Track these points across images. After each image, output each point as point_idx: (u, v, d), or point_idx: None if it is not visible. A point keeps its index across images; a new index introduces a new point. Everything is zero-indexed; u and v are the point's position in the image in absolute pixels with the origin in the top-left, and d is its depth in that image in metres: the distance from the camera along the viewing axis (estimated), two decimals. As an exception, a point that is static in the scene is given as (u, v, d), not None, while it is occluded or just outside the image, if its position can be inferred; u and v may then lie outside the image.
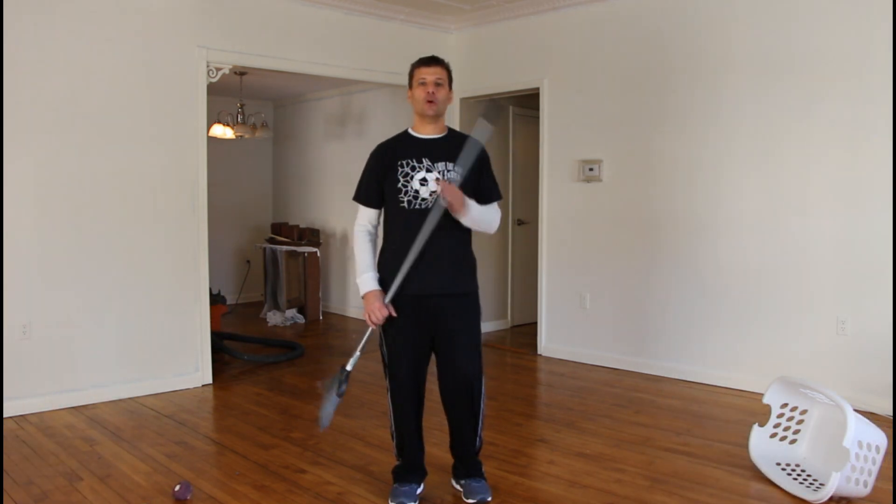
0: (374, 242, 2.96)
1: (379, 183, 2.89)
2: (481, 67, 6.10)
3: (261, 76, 6.74)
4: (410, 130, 2.96)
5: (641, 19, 5.15)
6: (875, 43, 4.11)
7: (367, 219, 2.95)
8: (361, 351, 2.88)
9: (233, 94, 7.27)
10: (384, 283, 2.87)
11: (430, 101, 2.84)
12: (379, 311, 2.81)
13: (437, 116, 2.90)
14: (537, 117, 5.92)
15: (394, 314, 2.83)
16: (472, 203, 2.83)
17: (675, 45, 4.98)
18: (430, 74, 2.86)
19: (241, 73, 6.67)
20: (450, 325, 2.88)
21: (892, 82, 4.04)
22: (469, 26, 6.21)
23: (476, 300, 2.98)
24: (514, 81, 5.96)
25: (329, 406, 2.85)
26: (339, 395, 2.85)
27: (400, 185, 2.83)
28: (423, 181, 2.83)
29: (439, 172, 2.83)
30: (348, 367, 2.87)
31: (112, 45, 4.48)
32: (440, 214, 2.76)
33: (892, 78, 4.04)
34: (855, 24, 4.19)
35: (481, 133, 2.86)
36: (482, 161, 2.96)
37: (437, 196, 2.76)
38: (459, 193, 2.77)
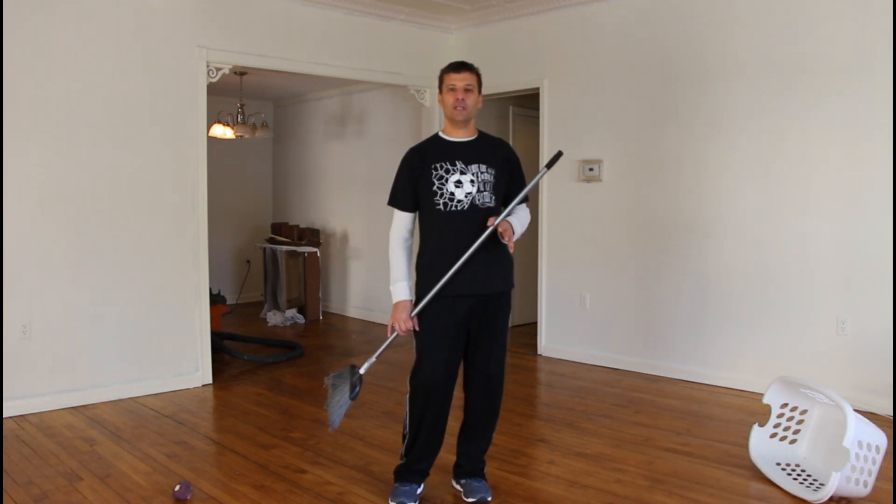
0: (409, 250, 2.96)
1: (413, 187, 2.91)
2: (481, 67, 5.96)
3: (261, 76, 6.74)
4: (441, 134, 2.98)
5: (641, 19, 5.15)
6: (876, 44, 4.11)
7: (402, 225, 2.95)
8: (377, 357, 2.89)
9: (233, 94, 7.27)
10: (420, 289, 2.88)
11: (459, 107, 2.87)
12: (405, 323, 2.84)
13: (468, 121, 2.93)
14: (537, 117, 5.92)
15: (416, 328, 2.86)
16: (515, 225, 2.87)
17: (675, 45, 4.98)
18: (459, 80, 2.90)
19: (241, 73, 6.67)
20: (487, 324, 2.91)
21: (893, 83, 4.04)
22: (469, 26, 6.21)
23: (510, 299, 3.01)
24: (514, 81, 5.96)
25: (341, 408, 2.85)
26: (352, 399, 2.86)
27: (435, 187, 2.85)
28: (459, 183, 2.85)
29: (473, 174, 2.85)
30: (362, 371, 2.89)
31: (112, 45, 4.48)
32: (486, 240, 2.79)
33: (893, 78, 4.04)
34: (856, 25, 4.19)
35: (540, 174, 3.00)
36: (513, 162, 3.01)
37: (493, 229, 2.79)
38: (510, 228, 2.81)
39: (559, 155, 3.00)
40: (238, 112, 7.36)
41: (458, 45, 6.27)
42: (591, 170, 5.46)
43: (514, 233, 2.84)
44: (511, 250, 2.85)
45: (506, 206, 2.91)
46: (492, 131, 6.84)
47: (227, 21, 5.00)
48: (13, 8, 4.09)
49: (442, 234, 2.85)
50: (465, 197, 2.84)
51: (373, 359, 2.90)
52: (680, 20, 4.95)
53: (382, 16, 5.82)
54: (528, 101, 6.54)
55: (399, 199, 2.95)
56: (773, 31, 4.52)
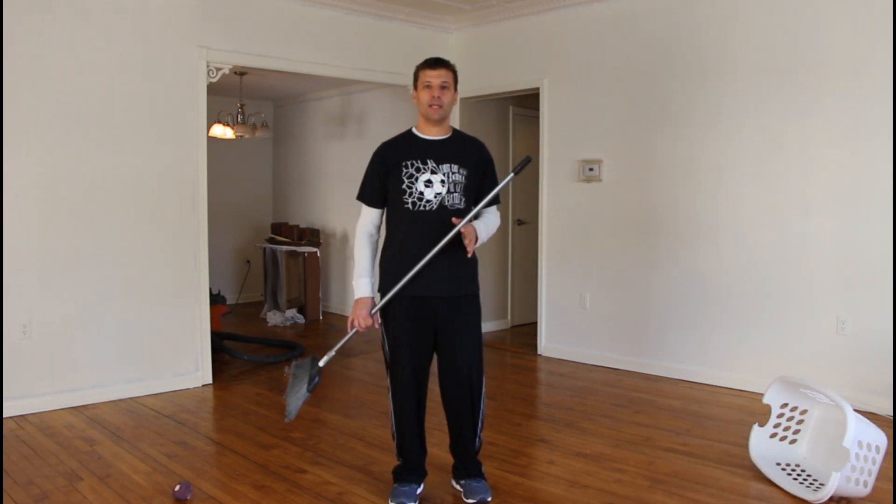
0: (374, 245, 2.96)
1: (382, 183, 2.90)
2: (481, 67, 6.10)
3: (261, 76, 6.74)
4: (415, 130, 2.95)
5: (642, 19, 5.15)
6: (875, 43, 4.11)
7: (370, 220, 2.95)
8: (337, 351, 2.91)
9: (233, 94, 7.27)
10: (382, 285, 2.89)
11: (435, 105, 2.84)
12: (364, 321, 2.85)
13: (443, 119, 2.90)
14: (537, 117, 5.92)
15: (377, 326, 2.87)
16: (480, 229, 2.84)
17: (675, 45, 4.98)
18: (435, 78, 2.85)
19: (241, 73, 6.67)
20: (451, 325, 2.89)
21: (892, 82, 4.04)
22: (469, 26, 6.21)
23: (476, 301, 2.97)
24: (514, 81, 5.96)
25: (299, 400, 2.84)
26: (310, 391, 2.85)
27: (404, 185, 2.83)
28: (429, 182, 2.82)
29: (444, 175, 2.83)
30: (321, 364, 2.89)
31: (112, 45, 4.48)
32: (449, 241, 2.76)
33: (892, 78, 4.04)
34: (855, 25, 4.19)
35: (507, 179, 2.90)
36: (486, 163, 2.97)
37: (456, 231, 2.75)
38: (473, 231, 2.78)
39: (527, 161, 2.91)
40: (238, 112, 7.36)
41: (458, 45, 6.28)
42: (591, 170, 5.46)
43: (477, 239, 2.79)
44: (468, 255, 2.79)
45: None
46: (492, 131, 6.75)
47: (227, 21, 4.99)
48: (13, 7, 4.09)
49: (408, 233, 2.83)
50: (435, 197, 2.82)
51: (332, 353, 2.90)
52: (680, 20, 4.95)
53: (382, 16, 5.82)
54: (528, 101, 6.54)
55: (367, 194, 2.94)
56: (773, 32, 4.52)
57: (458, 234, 2.75)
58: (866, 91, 4.16)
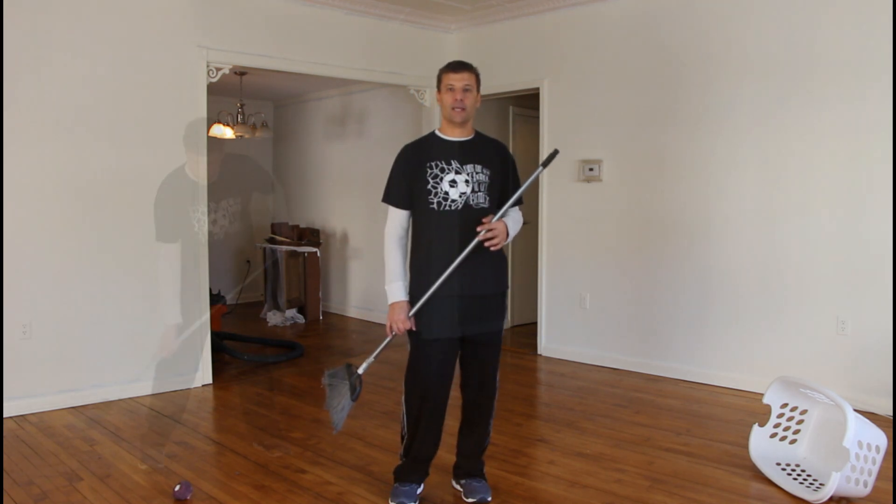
0: (404, 248, 2.95)
1: (408, 184, 2.89)
2: (481, 67, 5.96)
3: (261, 76, 6.74)
4: (438, 132, 2.97)
5: (641, 19, 5.15)
6: (876, 44, 4.11)
7: (398, 222, 2.93)
8: (376, 357, 2.90)
9: (233, 94, 7.27)
10: (413, 289, 2.88)
11: (458, 108, 2.86)
12: (402, 324, 2.83)
13: (466, 121, 2.92)
14: (537, 117, 5.92)
15: (414, 328, 2.85)
16: (510, 227, 2.87)
17: (675, 45, 4.98)
18: (458, 81, 2.88)
19: (241, 73, 6.67)
20: (479, 325, 2.89)
21: (893, 83, 4.04)
22: (469, 26, 6.21)
23: (504, 300, 2.99)
24: (514, 81, 5.96)
25: (343, 410, 2.84)
26: (354, 400, 2.85)
27: (430, 186, 2.84)
28: (453, 183, 2.84)
29: (468, 174, 2.84)
30: (360, 371, 2.89)
31: (112, 45, 4.48)
32: (477, 245, 2.78)
33: (893, 79, 4.04)
34: (856, 25, 4.19)
35: (536, 172, 2.94)
36: (509, 163, 2.99)
37: (479, 239, 2.77)
38: (503, 228, 2.79)
39: (555, 153, 2.97)
40: (238, 112, 7.36)
41: (458, 45, 6.27)
42: (591, 170, 5.46)
43: (507, 236, 2.82)
44: (493, 249, 2.80)
45: (500, 207, 2.89)
46: (492, 131, 6.80)
47: (227, 21, 5.00)
48: (13, 7, 4.09)
49: (435, 234, 2.83)
50: (460, 197, 2.83)
51: (371, 359, 2.90)
52: (680, 20, 4.95)
53: (382, 16, 5.82)
54: (528, 101, 6.54)
55: (394, 195, 2.93)
56: (774, 32, 4.52)
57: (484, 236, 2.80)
58: (867, 91, 4.16)
